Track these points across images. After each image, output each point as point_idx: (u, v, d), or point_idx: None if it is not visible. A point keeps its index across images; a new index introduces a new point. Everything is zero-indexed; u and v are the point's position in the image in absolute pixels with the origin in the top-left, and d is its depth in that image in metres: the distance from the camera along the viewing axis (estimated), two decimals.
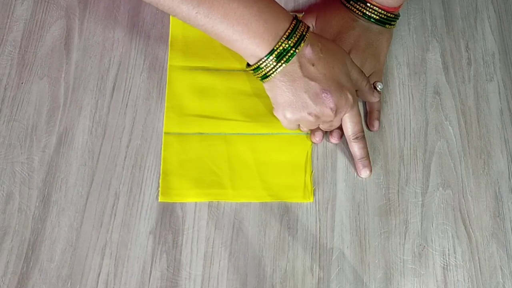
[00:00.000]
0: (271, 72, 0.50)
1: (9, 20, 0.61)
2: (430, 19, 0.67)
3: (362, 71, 0.56)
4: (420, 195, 0.58)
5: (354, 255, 0.54)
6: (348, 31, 0.60)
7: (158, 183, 0.55)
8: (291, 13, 0.51)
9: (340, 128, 0.59)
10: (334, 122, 0.55)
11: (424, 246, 0.55)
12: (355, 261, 0.54)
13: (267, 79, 0.51)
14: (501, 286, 0.55)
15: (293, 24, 0.49)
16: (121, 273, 0.52)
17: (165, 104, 0.59)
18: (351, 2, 0.61)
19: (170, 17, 0.62)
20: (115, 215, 0.54)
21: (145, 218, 0.54)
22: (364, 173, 0.57)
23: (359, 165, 0.57)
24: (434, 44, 0.66)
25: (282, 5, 0.65)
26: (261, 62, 0.49)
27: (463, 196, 0.58)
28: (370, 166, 0.57)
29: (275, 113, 0.54)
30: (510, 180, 0.59)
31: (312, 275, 0.53)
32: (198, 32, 0.62)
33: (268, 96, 0.59)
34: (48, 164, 0.55)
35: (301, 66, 0.50)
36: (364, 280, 0.54)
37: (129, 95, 0.59)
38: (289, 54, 0.49)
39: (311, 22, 0.63)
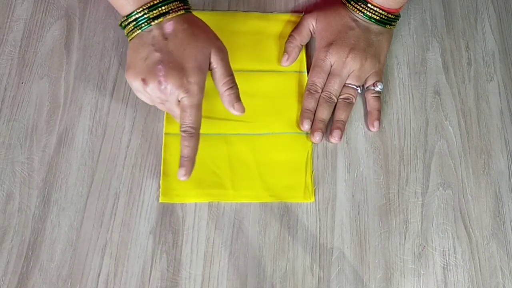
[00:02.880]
0: (130, 33, 0.52)
1: (9, 20, 0.61)
2: (430, 19, 0.67)
3: (231, 76, 0.53)
4: (420, 195, 0.58)
5: (354, 255, 0.54)
6: (348, 31, 0.60)
7: (158, 183, 0.55)
8: None
9: (340, 128, 0.59)
10: (171, 105, 0.51)
11: (424, 246, 0.55)
12: (355, 261, 0.54)
13: (128, 38, 0.53)
14: (501, 286, 0.55)
15: None
16: (121, 273, 0.52)
17: None
18: (351, 2, 0.61)
19: None
20: (115, 215, 0.54)
21: (145, 218, 0.54)
22: (180, 172, 0.50)
23: (180, 163, 0.51)
24: (434, 44, 0.66)
25: (282, 6, 0.66)
26: (123, 20, 0.52)
27: (463, 196, 0.58)
28: (189, 169, 0.50)
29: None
30: (510, 180, 0.59)
31: (312, 275, 0.53)
32: None
33: (268, 97, 0.59)
34: (48, 164, 0.55)
35: (153, 36, 0.51)
36: (364, 280, 0.54)
37: (129, 95, 0.59)
38: (145, 23, 0.50)
39: (311, 22, 0.63)
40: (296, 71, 0.62)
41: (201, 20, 0.54)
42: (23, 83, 0.58)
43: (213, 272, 0.52)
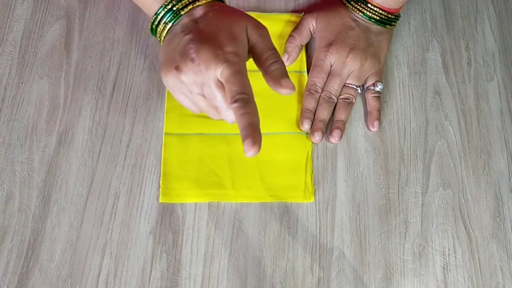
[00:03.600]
0: (161, 33, 0.48)
1: (9, 20, 0.61)
2: (430, 19, 0.67)
3: (274, 50, 0.46)
4: (420, 195, 0.58)
5: (354, 255, 0.54)
6: (348, 31, 0.60)
7: (158, 183, 0.55)
8: None
9: (340, 128, 0.59)
10: (208, 88, 0.44)
11: (424, 246, 0.55)
12: (355, 261, 0.54)
13: (161, 42, 0.49)
14: (501, 286, 0.55)
15: None
16: (121, 273, 0.52)
17: (166, 105, 0.59)
18: (351, 2, 0.61)
19: None
20: (115, 215, 0.54)
21: (145, 218, 0.54)
22: (248, 149, 0.41)
23: (243, 135, 0.42)
24: (434, 44, 0.66)
25: (282, 5, 0.66)
26: (153, 20, 0.48)
27: (463, 196, 0.58)
28: (255, 138, 0.41)
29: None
30: (510, 180, 0.59)
31: (312, 275, 0.53)
32: None
33: (268, 97, 0.59)
34: (48, 164, 0.55)
35: (183, 24, 0.46)
36: (364, 280, 0.54)
37: (129, 95, 0.59)
38: (176, 14, 0.47)
39: (311, 22, 0.63)
40: (296, 71, 0.62)
41: (233, 7, 0.49)
42: (23, 83, 0.58)
43: (213, 272, 0.52)
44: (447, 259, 0.55)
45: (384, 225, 0.56)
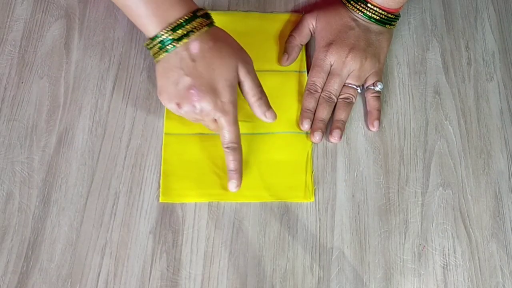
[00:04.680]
0: (156, 55, 0.51)
1: (9, 20, 0.61)
2: (430, 19, 0.67)
3: (260, 87, 0.54)
4: (420, 195, 0.58)
5: (354, 255, 0.54)
6: (348, 31, 0.60)
7: (158, 183, 0.55)
8: (194, 4, 0.52)
9: (340, 127, 0.59)
10: (207, 123, 0.54)
11: (424, 246, 0.55)
12: (355, 261, 0.54)
13: (155, 60, 0.52)
14: (501, 286, 0.55)
15: (186, 17, 0.50)
16: (121, 272, 0.52)
17: None
18: (351, 2, 0.61)
19: None
20: (115, 214, 0.54)
21: (145, 218, 0.54)
22: (231, 185, 0.54)
23: (229, 176, 0.54)
24: (434, 43, 0.66)
25: (282, 5, 0.66)
26: (148, 43, 0.51)
27: (463, 196, 0.58)
28: (239, 181, 0.54)
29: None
30: (510, 180, 0.59)
31: (312, 274, 0.53)
32: None
33: (268, 96, 0.59)
34: (48, 163, 0.55)
35: (181, 59, 0.50)
36: (364, 279, 0.54)
37: (129, 94, 0.59)
38: (170, 45, 0.50)
39: (311, 22, 0.63)
40: (296, 71, 0.62)
41: (224, 31, 0.54)
42: (23, 83, 0.58)
43: (213, 271, 0.52)
44: (447, 259, 0.55)
45: (384, 225, 0.56)
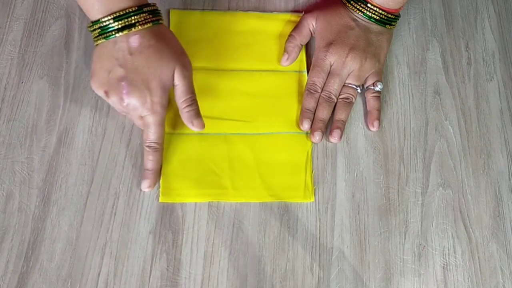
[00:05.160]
0: (95, 39, 0.51)
1: (9, 20, 0.61)
2: (430, 19, 0.67)
3: (192, 94, 0.54)
4: (420, 194, 0.58)
5: (354, 255, 0.54)
6: (348, 31, 0.60)
7: (158, 183, 0.55)
8: (151, 4, 0.52)
9: (340, 127, 0.59)
10: (133, 118, 0.54)
11: (424, 246, 0.56)
12: (355, 261, 0.54)
13: (94, 43, 0.52)
14: (501, 286, 0.55)
15: (131, 9, 0.50)
16: (121, 272, 0.52)
17: None
18: (351, 2, 0.61)
19: (170, 17, 0.62)
20: (115, 214, 0.54)
21: (145, 218, 0.54)
22: (143, 184, 0.54)
23: (144, 175, 0.54)
24: (434, 43, 0.66)
25: (282, 5, 0.66)
26: (89, 26, 0.51)
27: (463, 196, 0.58)
28: (153, 182, 0.54)
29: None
30: (510, 180, 0.59)
31: (312, 274, 0.53)
32: (198, 32, 0.62)
33: (268, 96, 0.59)
34: (48, 163, 0.55)
35: (118, 49, 0.50)
36: (364, 279, 0.54)
37: None
38: (109, 33, 0.50)
39: (311, 22, 0.63)
40: (296, 71, 0.62)
41: (170, 32, 0.53)
42: (23, 83, 0.58)
43: (213, 271, 0.52)
44: (447, 259, 0.55)
45: (384, 225, 0.56)
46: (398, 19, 0.62)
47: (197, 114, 0.54)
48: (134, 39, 0.50)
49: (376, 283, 0.54)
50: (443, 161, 0.59)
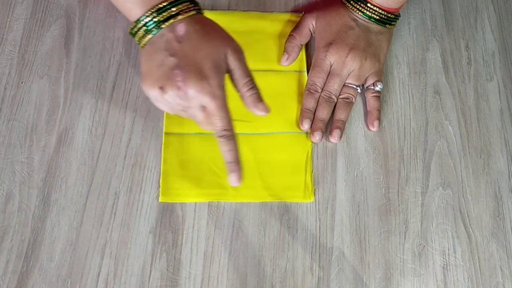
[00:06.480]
0: (141, 39, 0.49)
1: (9, 19, 0.61)
2: (430, 19, 0.67)
3: (251, 77, 0.50)
4: (420, 194, 0.58)
5: (354, 255, 0.54)
6: (348, 31, 0.60)
7: (158, 183, 0.55)
8: None
9: (340, 127, 0.59)
10: (194, 110, 0.49)
11: (424, 246, 0.56)
12: (355, 261, 0.54)
13: (139, 46, 0.50)
14: (501, 286, 0.55)
15: (171, 0, 0.49)
16: (121, 272, 0.52)
17: None
18: (351, 2, 0.61)
19: None
20: (115, 214, 0.54)
21: (145, 218, 0.54)
22: (232, 178, 0.50)
23: (228, 169, 0.50)
24: (434, 43, 0.66)
25: (282, 5, 0.66)
26: (132, 27, 0.49)
27: (463, 195, 0.58)
28: (239, 172, 0.50)
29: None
30: (510, 180, 0.59)
31: (312, 274, 0.53)
32: None
33: (268, 96, 0.59)
34: (48, 163, 0.55)
35: (166, 41, 0.48)
36: (364, 279, 0.54)
37: (129, 94, 0.59)
38: (156, 26, 0.48)
39: (311, 22, 0.63)
40: (296, 71, 0.62)
41: (213, 21, 0.52)
42: (23, 83, 0.58)
43: (213, 271, 0.52)
44: (447, 258, 0.55)
45: (384, 224, 0.56)
46: (398, 19, 0.62)
47: (260, 97, 0.51)
48: (180, 27, 0.48)
49: (376, 283, 0.54)
50: (443, 161, 0.59)
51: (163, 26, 0.48)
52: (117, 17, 0.62)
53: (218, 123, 0.48)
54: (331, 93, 0.60)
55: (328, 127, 0.60)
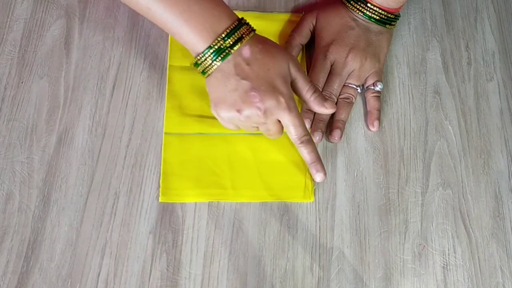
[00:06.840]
0: (208, 68, 0.50)
1: (9, 20, 0.61)
2: (430, 19, 0.67)
3: (310, 82, 0.54)
4: (420, 194, 0.58)
5: (354, 255, 0.54)
6: (348, 31, 0.60)
7: (158, 183, 0.55)
8: (236, 14, 0.51)
9: (340, 127, 0.59)
10: (270, 125, 0.52)
11: (424, 246, 0.56)
12: (355, 261, 0.54)
13: (205, 75, 0.51)
14: (501, 286, 0.55)
15: (233, 25, 0.50)
16: (121, 272, 0.52)
17: (165, 104, 0.59)
18: (351, 2, 0.61)
19: None
20: (115, 214, 0.54)
21: (145, 218, 0.54)
22: (318, 177, 0.54)
23: (312, 169, 0.54)
24: (434, 43, 0.66)
25: (282, 5, 0.66)
26: (199, 57, 0.50)
27: (463, 195, 0.58)
28: (323, 169, 0.54)
29: (211, 110, 0.53)
30: (510, 180, 0.59)
31: (312, 274, 0.53)
32: None
33: None
34: (48, 163, 0.55)
35: (235, 65, 0.50)
36: (364, 279, 0.54)
37: (129, 94, 0.59)
38: (224, 53, 0.49)
39: (311, 22, 0.63)
40: None
41: (266, 37, 0.54)
42: (23, 83, 0.58)
43: (213, 271, 0.52)
44: (447, 258, 0.55)
45: (384, 225, 0.56)
46: (398, 19, 0.62)
47: (324, 97, 0.54)
48: (245, 50, 0.50)
49: (376, 283, 0.54)
50: (443, 161, 0.59)
51: (231, 51, 0.49)
52: (117, 17, 0.62)
53: (297, 132, 0.52)
54: (331, 93, 0.60)
55: (328, 127, 0.60)
